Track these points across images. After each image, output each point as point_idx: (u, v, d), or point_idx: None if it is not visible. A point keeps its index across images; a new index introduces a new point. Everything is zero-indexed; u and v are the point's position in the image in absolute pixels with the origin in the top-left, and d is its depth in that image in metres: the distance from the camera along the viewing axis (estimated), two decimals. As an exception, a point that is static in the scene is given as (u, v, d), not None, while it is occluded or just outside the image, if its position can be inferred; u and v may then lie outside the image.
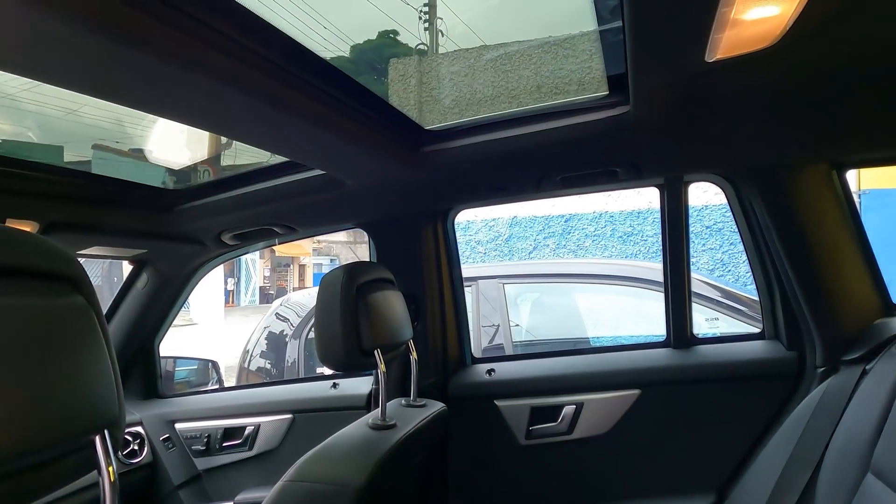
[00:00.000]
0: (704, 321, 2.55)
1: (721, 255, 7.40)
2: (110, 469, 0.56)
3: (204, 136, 1.99)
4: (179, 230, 1.73)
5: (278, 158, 1.52)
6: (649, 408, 1.69)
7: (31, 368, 0.50)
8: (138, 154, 1.89)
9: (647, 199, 7.54)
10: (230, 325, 11.66)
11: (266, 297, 21.87)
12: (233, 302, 20.15)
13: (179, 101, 0.95)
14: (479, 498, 1.80)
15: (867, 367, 1.38)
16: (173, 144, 1.91)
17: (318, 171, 1.46)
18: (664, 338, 1.77)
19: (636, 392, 1.70)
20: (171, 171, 1.95)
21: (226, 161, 1.93)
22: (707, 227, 7.20)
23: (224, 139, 1.93)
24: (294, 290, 22.35)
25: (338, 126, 1.13)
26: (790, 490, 1.37)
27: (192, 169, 1.94)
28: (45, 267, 0.55)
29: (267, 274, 22.55)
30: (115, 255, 1.79)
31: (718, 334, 2.45)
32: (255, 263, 21.06)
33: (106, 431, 0.56)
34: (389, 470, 1.23)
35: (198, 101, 0.94)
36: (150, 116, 1.87)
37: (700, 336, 1.76)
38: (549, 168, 1.46)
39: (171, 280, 2.00)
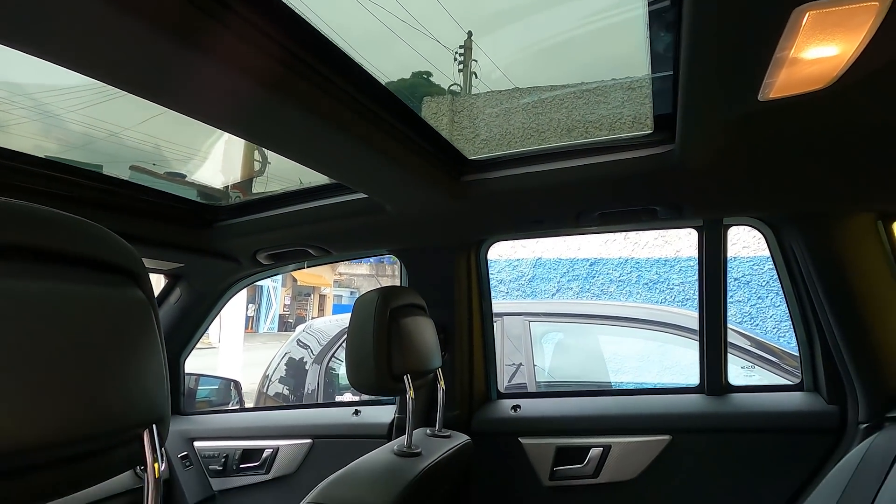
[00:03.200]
0: (740, 369, 2.48)
1: (749, 309, 7.26)
2: (156, 465, 0.56)
3: (242, 156, 2.04)
4: (217, 246, 1.76)
5: (318, 180, 1.55)
6: (680, 455, 1.63)
7: (89, 357, 0.50)
8: (175, 178, 1.95)
9: (674, 247, 7.48)
10: (249, 350, 11.69)
11: (285, 325, 21.96)
12: (252, 328, 20.26)
13: (231, 111, 0.96)
14: None
15: (915, 425, 1.32)
16: (210, 167, 1.97)
17: (358, 195, 1.48)
18: (697, 384, 1.73)
19: (667, 438, 1.65)
20: (207, 191, 2.01)
21: (262, 183, 1.97)
22: (735, 280, 7.08)
23: (259, 159, 1.98)
24: (313, 318, 22.42)
25: (383, 147, 1.15)
26: (831, 552, 1.30)
27: (228, 191, 1.99)
28: (109, 258, 0.56)
29: (287, 302, 22.70)
30: (152, 268, 1.82)
31: (753, 383, 2.37)
32: (276, 291, 21.23)
33: (154, 427, 0.56)
34: (414, 498, 1.20)
35: (250, 111, 0.96)
36: (188, 140, 1.94)
37: (735, 385, 1.71)
38: (589, 203, 1.46)
39: (203, 296, 2.02)
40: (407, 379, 1.28)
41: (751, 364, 2.46)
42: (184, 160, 2.01)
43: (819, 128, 1.05)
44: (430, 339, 1.43)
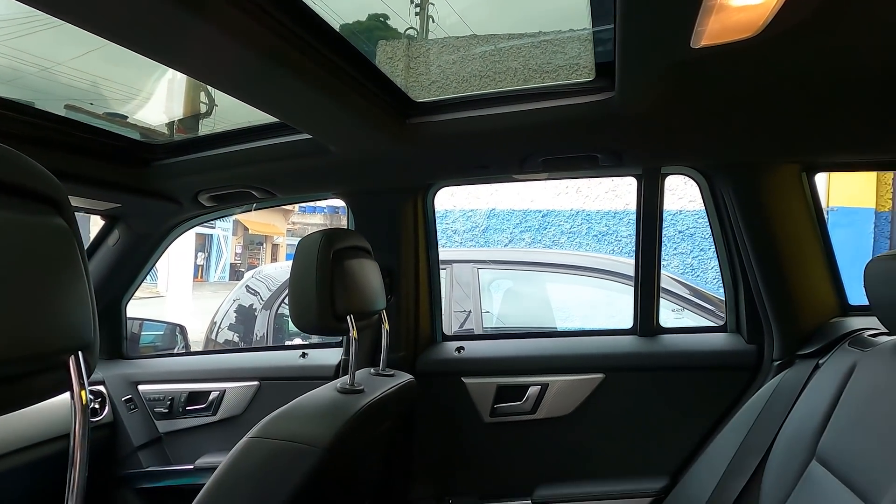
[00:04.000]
0: (671, 313, 2.62)
1: (691, 261, 7.56)
2: (83, 392, 0.56)
3: (184, 95, 1.96)
4: (155, 186, 1.71)
5: (261, 120, 1.51)
6: (612, 392, 1.73)
7: (9, 282, 0.50)
8: (115, 118, 1.85)
9: (624, 201, 7.65)
10: (198, 299, 11.50)
11: (236, 274, 21.57)
12: (202, 277, 19.85)
13: (171, 45, 0.93)
14: (443, 471, 1.83)
15: (820, 362, 1.44)
16: (151, 106, 1.88)
17: (302, 136, 1.46)
18: (631, 326, 1.82)
19: (600, 376, 1.74)
20: (146, 129, 1.92)
21: (206, 122, 1.91)
22: (680, 232, 7.35)
23: (204, 99, 1.91)
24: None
25: (328, 87, 1.13)
26: (739, 475, 1.43)
27: (170, 128, 1.92)
28: (30, 185, 0.55)
29: (239, 251, 22.26)
30: (87, 208, 1.75)
31: (682, 325, 2.51)
32: (227, 239, 20.76)
33: (81, 354, 0.57)
34: (356, 433, 1.24)
35: (193, 48, 0.93)
36: (127, 78, 1.84)
37: (665, 327, 1.81)
38: (533, 149, 1.48)
39: (143, 239, 1.97)
40: (350, 319, 1.30)
41: (681, 307, 2.60)
42: (123, 99, 1.91)
43: (748, 78, 1.09)
44: (375, 281, 1.45)
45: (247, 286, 3.76)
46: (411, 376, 1.57)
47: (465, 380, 1.82)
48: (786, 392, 1.47)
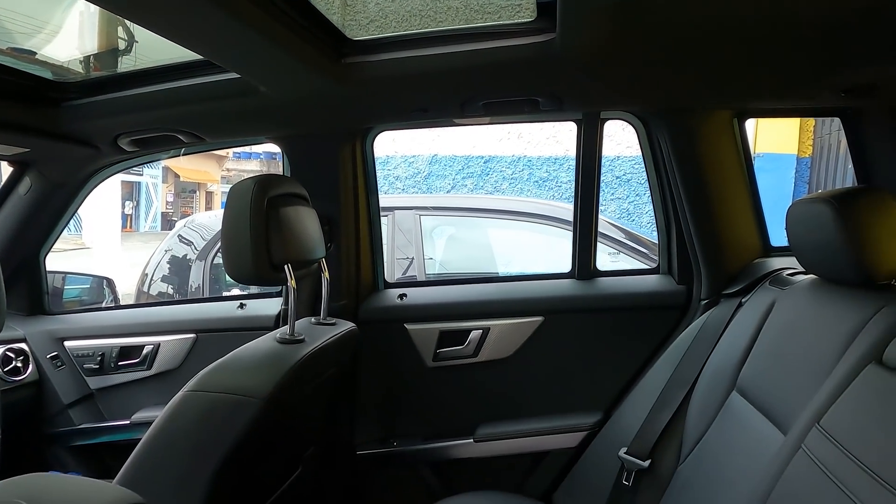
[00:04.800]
0: (608, 256, 2.71)
1: (627, 206, 7.80)
2: None
3: (98, 29, 1.79)
4: (68, 129, 1.57)
5: (186, 57, 1.40)
6: (550, 334, 1.79)
7: None
8: (22, 54, 1.68)
9: (564, 146, 7.72)
10: (128, 251, 10.97)
11: (169, 224, 20.68)
12: (131, 227, 18.94)
13: None
14: (386, 416, 1.86)
15: (743, 301, 1.53)
16: (61, 41, 1.71)
17: (231, 75, 1.36)
18: (569, 270, 1.87)
19: (539, 319, 1.79)
20: (59, 67, 1.76)
21: (125, 60, 1.76)
22: (617, 178, 7.53)
23: (122, 34, 1.75)
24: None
25: (257, 22, 1.05)
26: (667, 406, 1.52)
27: (85, 66, 1.76)
28: None
29: (170, 199, 21.27)
30: (-9, 153, 1.61)
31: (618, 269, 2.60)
32: (157, 187, 19.74)
33: None
34: (297, 383, 1.23)
35: None
36: (35, 11, 1.66)
37: (602, 270, 1.86)
38: (473, 92, 1.45)
39: (59, 187, 1.83)
40: (288, 268, 1.27)
41: (617, 251, 2.68)
42: (30, 33, 1.73)
43: (684, 22, 1.09)
44: (312, 229, 1.41)
45: (179, 236, 3.61)
46: (353, 324, 1.56)
47: (407, 326, 1.82)
48: (711, 329, 1.55)
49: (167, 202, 21.20)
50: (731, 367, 1.36)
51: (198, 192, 21.83)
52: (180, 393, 1.14)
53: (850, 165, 1.61)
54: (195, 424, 1.11)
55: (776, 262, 1.58)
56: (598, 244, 1.87)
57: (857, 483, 0.76)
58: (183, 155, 1.89)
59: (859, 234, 1.06)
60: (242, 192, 1.23)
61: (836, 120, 2.53)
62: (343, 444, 1.81)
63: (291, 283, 1.28)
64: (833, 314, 1.10)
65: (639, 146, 1.76)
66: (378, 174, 1.88)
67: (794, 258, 1.30)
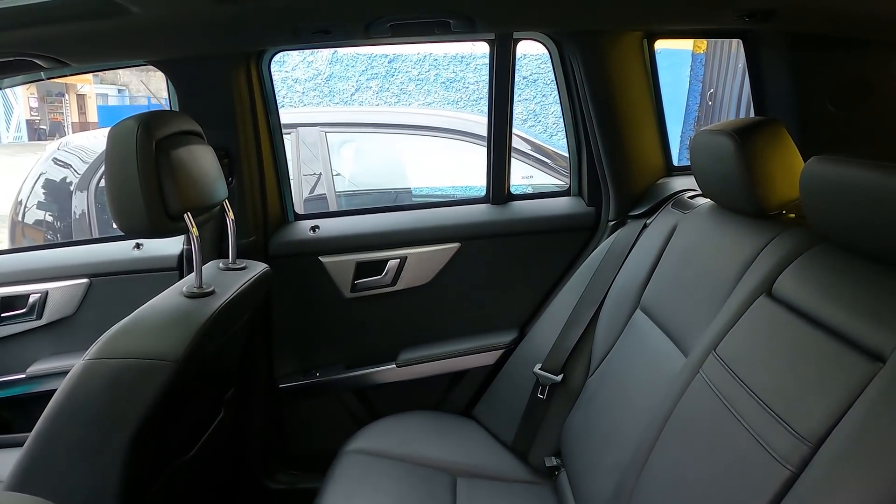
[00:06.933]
0: (521, 178, 2.74)
1: (534, 107, 7.82)
2: None
3: None
4: None
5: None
6: (467, 259, 1.81)
7: None
8: None
9: (471, 43, 7.48)
10: (-9, 166, 9.75)
11: (37, 133, 18.46)
12: (-9, 137, 16.75)
13: None
14: (306, 350, 1.85)
15: (647, 223, 1.60)
16: None
17: None
18: (483, 194, 1.87)
19: (456, 245, 1.80)
20: None
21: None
22: (524, 78, 7.47)
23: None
24: (73, 125, 19.07)
25: None
26: (577, 324, 1.61)
27: None
28: None
29: (34, 105, 18.83)
30: None
31: (531, 190, 2.65)
32: (15, 92, 17.33)
33: None
34: (211, 339, 1.18)
35: None
36: None
37: (515, 193, 1.88)
38: (379, 12, 1.32)
39: None
40: (188, 217, 1.17)
41: (530, 175, 2.71)
42: None
43: None
44: (211, 169, 1.29)
45: (55, 159, 3.22)
46: (266, 265, 1.49)
47: (322, 259, 1.78)
48: (617, 250, 1.63)
49: (31, 108, 18.78)
50: (635, 287, 1.45)
51: (67, 96, 19.39)
52: (79, 363, 1.06)
53: (742, 63, 1.67)
54: (100, 395, 1.05)
55: (678, 183, 1.66)
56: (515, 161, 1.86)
57: (747, 409, 0.85)
58: (46, 79, 1.63)
59: (754, 166, 1.12)
60: (125, 136, 1.09)
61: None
62: (263, 381, 1.80)
63: (193, 230, 1.19)
64: (729, 242, 1.18)
65: (552, 67, 1.72)
66: (274, 76, 1.72)
67: (694, 178, 1.36)
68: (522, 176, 2.68)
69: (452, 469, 1.52)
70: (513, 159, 1.85)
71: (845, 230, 0.86)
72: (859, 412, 0.69)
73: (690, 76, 7.54)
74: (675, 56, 7.53)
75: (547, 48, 1.69)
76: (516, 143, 2.86)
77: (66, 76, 1.70)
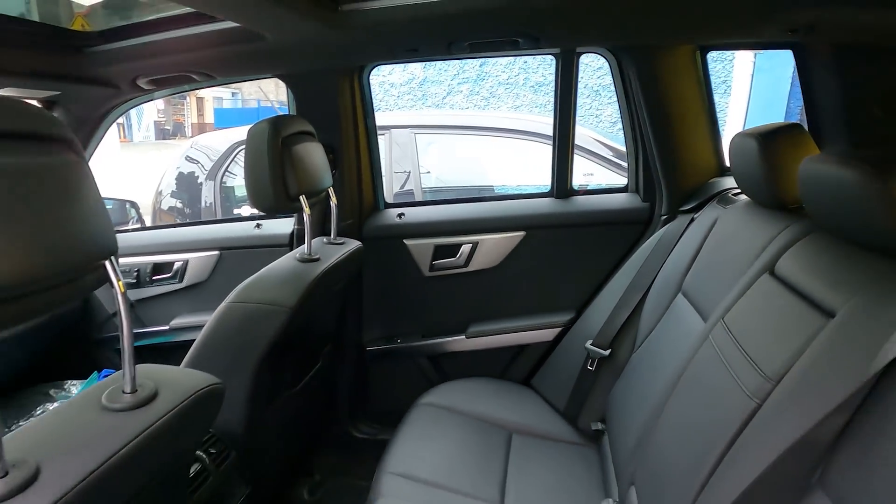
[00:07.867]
0: (582, 176, 2.92)
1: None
2: (120, 283, 0.77)
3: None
4: (93, 73, 1.73)
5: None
6: (532, 246, 2.05)
7: (52, 211, 0.67)
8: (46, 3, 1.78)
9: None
10: (127, 162, 11.05)
11: (162, 133, 20.43)
12: (125, 137, 18.76)
13: None
14: (390, 318, 2.16)
15: (694, 217, 1.77)
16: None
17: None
18: (549, 189, 2.09)
19: (521, 234, 2.04)
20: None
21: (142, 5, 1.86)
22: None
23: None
24: (193, 125, 20.94)
25: None
26: (626, 306, 1.80)
27: (105, 11, 1.86)
28: (47, 132, 0.70)
29: (161, 107, 20.85)
30: (28, 96, 1.77)
31: (593, 187, 2.83)
32: (147, 95, 19.26)
33: (112, 258, 0.76)
34: (315, 295, 1.49)
35: None
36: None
37: (577, 188, 2.09)
38: (458, 34, 1.59)
39: (84, 122, 2.01)
40: (302, 199, 1.49)
41: (591, 173, 2.88)
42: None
43: None
44: (320, 162, 1.62)
45: (186, 157, 3.78)
46: (359, 242, 1.80)
47: (406, 242, 2.08)
48: (666, 241, 1.80)
49: (158, 110, 20.80)
50: (678, 274, 1.62)
51: (188, 99, 21.37)
52: (223, 304, 1.40)
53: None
54: (237, 329, 1.39)
55: (726, 182, 1.81)
56: (586, 160, 2.06)
57: (742, 370, 1.02)
58: (195, 90, 2.04)
59: (775, 165, 1.28)
60: (259, 134, 1.43)
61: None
62: (353, 342, 2.13)
63: (306, 210, 1.51)
64: (753, 231, 1.35)
65: (611, 78, 1.93)
66: (373, 81, 2.04)
67: None
68: (584, 173, 2.86)
69: (510, 426, 1.76)
70: (589, 161, 2.05)
71: (831, 218, 1.03)
72: (808, 356, 0.87)
73: (793, 77, 7.22)
74: (778, 56, 7.24)
75: (607, 60, 1.90)
76: (591, 145, 3.05)
77: (211, 86, 2.10)
